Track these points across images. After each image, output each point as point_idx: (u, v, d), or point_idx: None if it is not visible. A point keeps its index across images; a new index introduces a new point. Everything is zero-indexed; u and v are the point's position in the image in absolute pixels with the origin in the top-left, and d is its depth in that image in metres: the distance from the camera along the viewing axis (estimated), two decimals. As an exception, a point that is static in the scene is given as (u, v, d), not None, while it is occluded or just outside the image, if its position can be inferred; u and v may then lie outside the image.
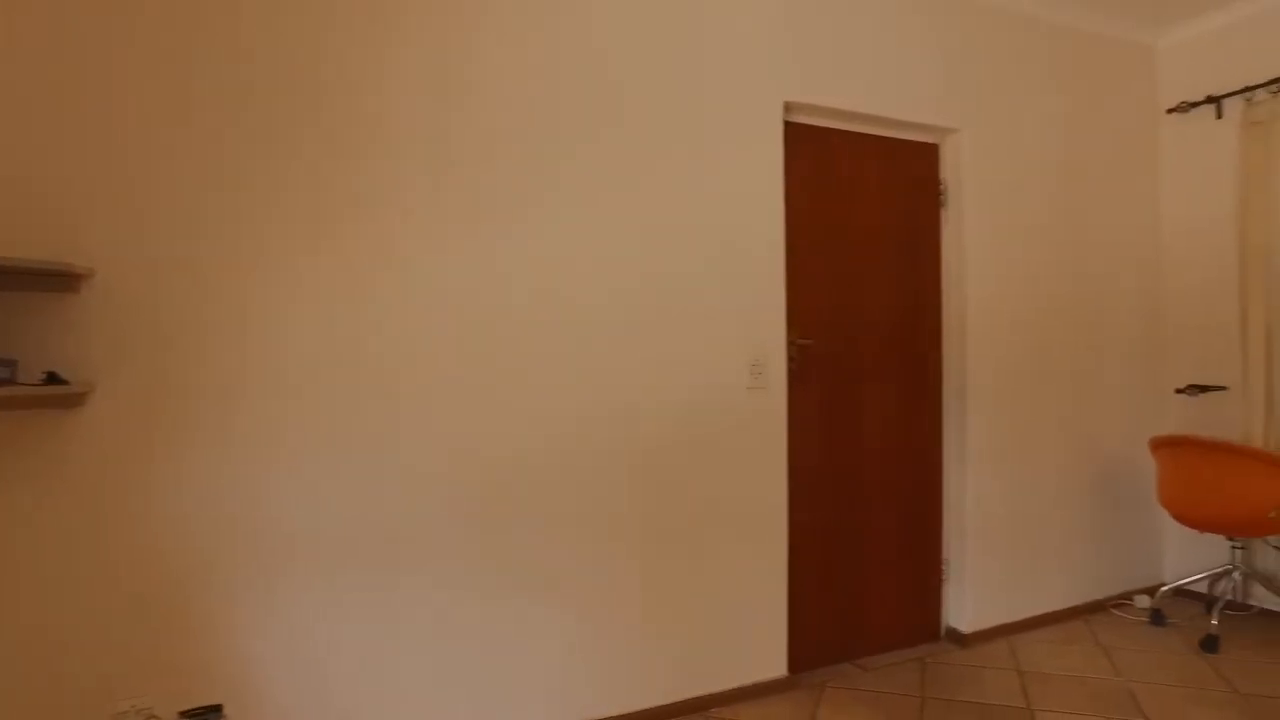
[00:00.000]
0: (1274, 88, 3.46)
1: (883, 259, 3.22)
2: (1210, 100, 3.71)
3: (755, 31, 2.84)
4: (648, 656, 2.66)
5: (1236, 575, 3.48)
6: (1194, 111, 3.82)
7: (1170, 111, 3.89)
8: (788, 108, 2.94)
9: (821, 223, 3.07)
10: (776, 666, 2.90)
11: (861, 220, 3.17)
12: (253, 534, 2.12)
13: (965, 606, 3.34)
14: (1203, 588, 3.70)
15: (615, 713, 2.61)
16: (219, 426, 2.09)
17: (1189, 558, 3.82)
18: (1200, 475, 3.27)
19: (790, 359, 2.94)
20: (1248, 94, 3.56)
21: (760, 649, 2.87)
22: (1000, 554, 3.42)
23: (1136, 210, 3.89)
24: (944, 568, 3.39)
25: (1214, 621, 3.28)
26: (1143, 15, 3.71)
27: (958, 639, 3.33)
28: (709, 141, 2.75)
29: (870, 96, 3.09)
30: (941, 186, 3.36)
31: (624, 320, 2.61)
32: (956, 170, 3.32)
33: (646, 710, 2.65)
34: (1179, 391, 3.79)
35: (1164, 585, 3.71)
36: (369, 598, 2.26)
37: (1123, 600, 3.78)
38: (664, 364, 2.68)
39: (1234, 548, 3.46)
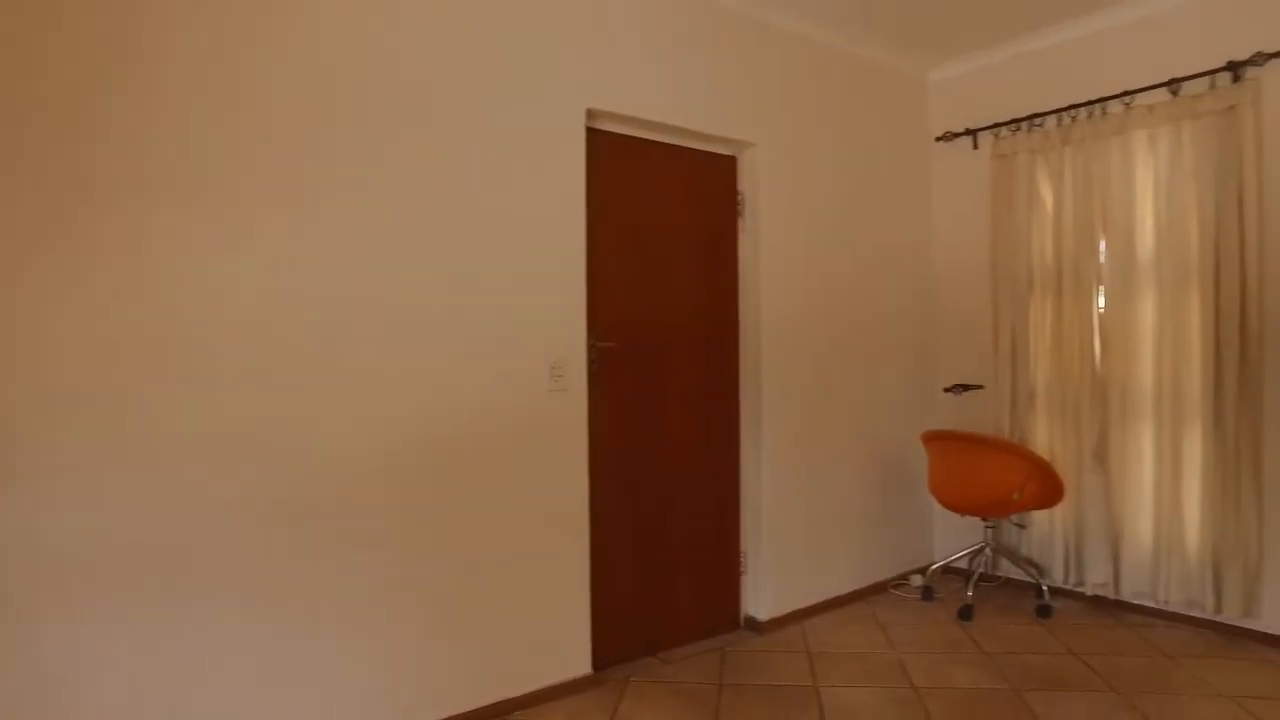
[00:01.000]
0: (1014, 127, 3.96)
1: (685, 265, 3.37)
2: (968, 133, 4.19)
3: (558, 40, 2.89)
4: (446, 663, 2.62)
5: (988, 551, 3.94)
6: (956, 141, 4.29)
7: (938, 140, 4.35)
8: (591, 114, 3.01)
9: (625, 229, 3.17)
10: (580, 665, 2.94)
11: (664, 227, 3.30)
12: (-12, 558, 1.89)
13: (762, 595, 3.54)
14: (964, 564, 4.15)
15: (415, 724, 2.55)
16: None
17: (954, 538, 4.27)
18: (959, 464, 3.67)
19: (591, 361, 3.01)
20: (995, 130, 4.05)
21: (564, 648, 2.90)
22: (794, 544, 3.66)
23: (912, 226, 4.32)
24: (743, 559, 3.58)
25: (969, 593, 3.70)
26: (916, 51, 4.13)
27: (756, 626, 3.53)
28: (510, 144, 2.76)
29: (673, 108, 3.22)
30: (739, 197, 3.56)
31: (419, 322, 2.56)
32: (753, 182, 3.54)
33: (446, 719, 2.61)
34: (947, 390, 4.23)
35: (934, 564, 4.12)
36: (139, 625, 2.07)
37: (901, 580, 4.16)
38: (461, 367, 2.65)
39: (986, 527, 3.92)
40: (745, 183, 3.55)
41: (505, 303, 2.75)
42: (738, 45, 3.47)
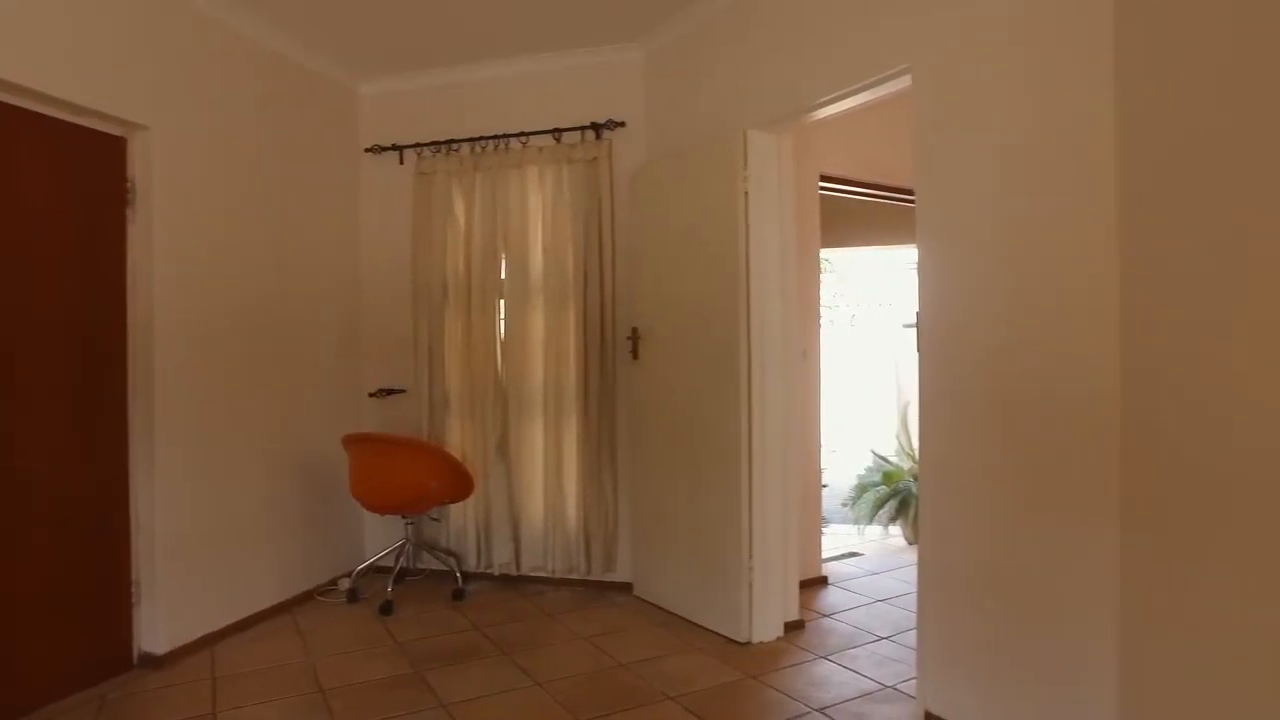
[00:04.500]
0: (435, 149, 4.28)
1: (52, 257, 2.85)
2: (395, 148, 4.39)
3: None
4: None
5: (409, 547, 4.18)
6: (384, 155, 4.44)
7: (367, 151, 4.46)
8: (-102, 57, 2.36)
9: (-42, 206, 2.57)
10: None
11: (22, 209, 2.75)
12: None
13: (160, 626, 3.19)
14: (391, 562, 4.32)
15: None
16: None
17: (383, 538, 4.40)
18: (377, 465, 3.83)
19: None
20: (419, 149, 4.32)
21: None
22: (202, 566, 3.38)
23: (339, 233, 4.35)
24: (134, 590, 3.18)
25: (389, 589, 3.88)
26: (346, 61, 4.19)
27: (153, 662, 3.17)
28: None
29: (27, 67, 2.68)
30: (129, 184, 3.15)
31: None
32: (147, 170, 3.16)
33: None
34: (372, 395, 4.36)
35: (361, 566, 4.20)
36: None
37: (330, 585, 4.14)
38: None
39: (407, 524, 4.15)
40: (138, 168, 3.16)
41: None
42: (139, 20, 3.08)
